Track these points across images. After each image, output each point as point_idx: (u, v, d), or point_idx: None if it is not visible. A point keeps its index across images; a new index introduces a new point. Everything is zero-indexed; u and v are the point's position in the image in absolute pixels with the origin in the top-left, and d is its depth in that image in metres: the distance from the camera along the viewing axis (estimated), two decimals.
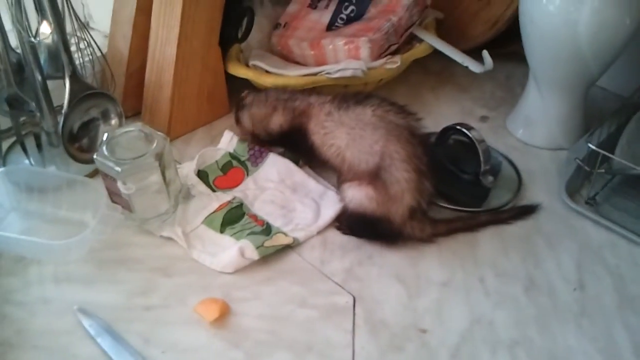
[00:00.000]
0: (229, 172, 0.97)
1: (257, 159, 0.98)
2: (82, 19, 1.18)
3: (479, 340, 0.72)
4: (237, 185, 0.94)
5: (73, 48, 0.93)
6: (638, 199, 0.91)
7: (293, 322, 0.74)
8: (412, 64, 1.12)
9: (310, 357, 0.70)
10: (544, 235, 0.87)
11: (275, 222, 0.87)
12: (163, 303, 0.77)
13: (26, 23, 0.87)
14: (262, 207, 0.90)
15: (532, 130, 1.04)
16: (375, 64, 1.04)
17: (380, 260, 0.83)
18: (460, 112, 1.13)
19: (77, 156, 0.91)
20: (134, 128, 0.86)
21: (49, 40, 0.92)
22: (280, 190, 0.93)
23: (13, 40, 0.90)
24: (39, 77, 0.90)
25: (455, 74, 1.20)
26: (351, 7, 1.12)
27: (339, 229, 0.88)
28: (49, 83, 0.92)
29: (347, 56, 1.05)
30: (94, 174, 0.93)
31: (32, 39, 0.87)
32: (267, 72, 1.05)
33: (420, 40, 1.13)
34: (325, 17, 1.13)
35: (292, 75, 1.03)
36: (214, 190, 0.93)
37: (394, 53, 1.09)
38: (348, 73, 1.00)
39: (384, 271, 0.81)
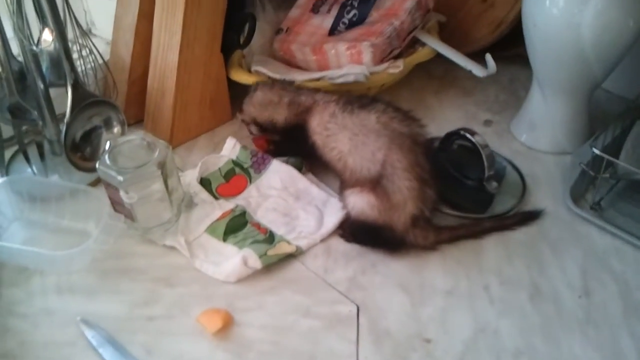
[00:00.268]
0: (232, 179, 0.96)
1: (260, 166, 0.97)
2: (85, 26, 1.19)
3: (484, 349, 0.72)
4: (239, 193, 0.94)
5: (75, 55, 0.93)
6: None
7: (296, 332, 0.74)
8: (415, 68, 1.12)
9: None
10: (549, 241, 0.86)
11: (278, 230, 0.87)
12: (166, 313, 0.77)
13: (28, 31, 0.87)
14: (265, 215, 0.90)
15: (536, 134, 1.03)
16: (377, 69, 1.04)
17: (384, 269, 0.82)
18: (464, 116, 1.12)
19: (79, 165, 0.91)
20: (136, 137, 0.86)
21: (51, 48, 0.92)
22: (283, 197, 0.93)
23: (15, 48, 0.90)
24: (41, 86, 0.90)
25: (459, 77, 1.20)
26: (353, 12, 1.12)
27: (342, 236, 0.87)
28: (51, 91, 0.92)
29: (350, 61, 1.04)
30: (96, 182, 0.93)
31: (34, 48, 0.87)
32: (269, 77, 1.04)
33: (423, 44, 1.13)
34: (328, 21, 1.12)
35: (295, 80, 1.02)
36: (216, 198, 0.93)
37: (396, 57, 1.09)
38: (350, 78, 1.00)
39: (387, 280, 0.81)
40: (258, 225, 0.88)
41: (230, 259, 0.81)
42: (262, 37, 1.13)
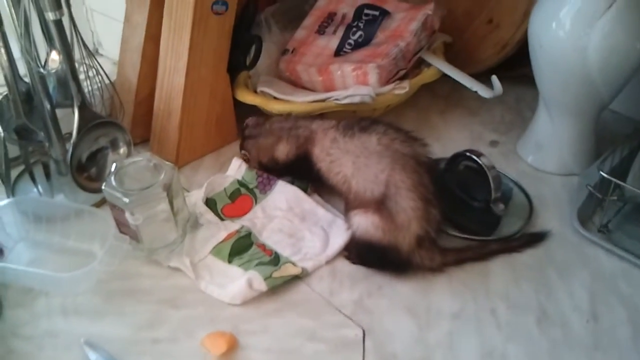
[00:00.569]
0: (237, 200, 0.96)
1: (265, 187, 0.97)
2: (91, 46, 1.20)
3: None
4: (245, 214, 0.94)
5: (82, 76, 0.93)
6: None
7: (301, 356, 0.73)
8: (420, 87, 1.12)
9: None
10: (556, 264, 0.86)
11: (284, 251, 0.87)
12: (171, 336, 0.76)
13: (35, 53, 0.87)
14: (271, 236, 0.90)
15: (543, 155, 1.03)
16: (383, 90, 1.04)
17: (390, 292, 0.82)
18: (470, 137, 1.12)
19: (85, 185, 0.91)
20: (142, 158, 0.86)
21: (58, 67, 0.93)
22: (289, 218, 0.92)
23: (22, 68, 0.90)
24: (48, 106, 0.90)
25: (464, 97, 1.20)
26: (359, 33, 1.12)
27: (348, 258, 0.87)
28: (58, 111, 0.92)
29: (356, 82, 1.04)
30: (102, 202, 0.93)
31: (41, 70, 0.87)
32: (275, 98, 1.04)
33: (429, 65, 1.13)
34: (333, 42, 1.13)
35: (301, 102, 1.03)
36: (222, 219, 0.93)
37: (402, 78, 1.09)
38: (356, 99, 1.00)
39: (394, 303, 0.80)
40: (263, 247, 0.87)
41: (236, 281, 0.81)
42: (268, 58, 1.13)
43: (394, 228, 0.81)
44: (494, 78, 1.04)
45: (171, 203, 0.83)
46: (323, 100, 1.03)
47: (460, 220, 0.90)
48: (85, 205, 0.89)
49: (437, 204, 0.82)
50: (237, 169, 1.00)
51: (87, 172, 0.92)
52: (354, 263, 0.86)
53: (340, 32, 1.14)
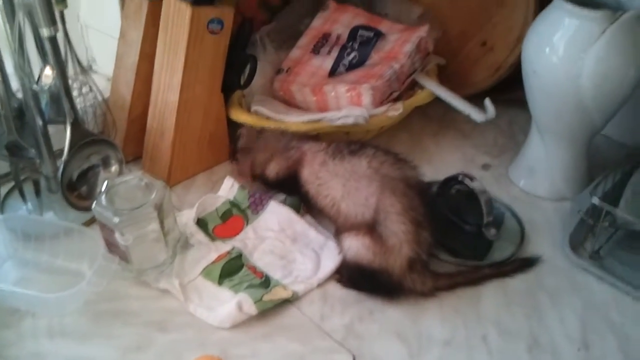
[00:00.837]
0: (229, 220, 0.96)
1: (257, 207, 0.97)
2: (85, 63, 1.19)
3: None
4: (236, 234, 0.93)
5: (75, 93, 0.92)
6: None
7: None
8: (413, 109, 1.12)
9: None
10: (548, 290, 0.85)
11: (275, 273, 0.86)
12: None
13: (29, 70, 0.86)
14: (262, 258, 0.89)
15: (535, 180, 1.03)
16: (377, 111, 1.04)
17: (381, 316, 0.81)
18: (462, 160, 1.12)
19: (75, 204, 0.91)
20: (133, 177, 0.85)
21: (51, 83, 0.92)
22: (281, 239, 0.92)
23: (14, 84, 0.89)
24: (40, 123, 0.90)
25: (457, 120, 1.19)
26: (353, 54, 1.12)
27: (339, 281, 0.86)
28: (50, 127, 0.92)
29: (350, 103, 1.04)
30: (92, 220, 0.92)
31: (35, 86, 0.86)
32: (268, 118, 1.04)
33: (422, 87, 1.13)
34: (328, 63, 1.13)
35: (294, 122, 1.02)
36: (213, 240, 0.92)
37: (396, 100, 1.09)
38: (350, 120, 1.00)
39: (384, 328, 0.80)
40: (254, 269, 0.87)
41: (225, 304, 0.80)
42: (262, 77, 1.13)
43: (384, 251, 0.80)
44: (487, 101, 1.05)
45: (162, 223, 0.83)
46: (316, 121, 1.02)
47: (452, 244, 0.90)
48: (75, 224, 0.88)
49: (428, 226, 0.82)
50: (229, 189, 1.00)
51: (77, 190, 0.91)
52: (345, 287, 0.86)
53: (334, 53, 1.14)
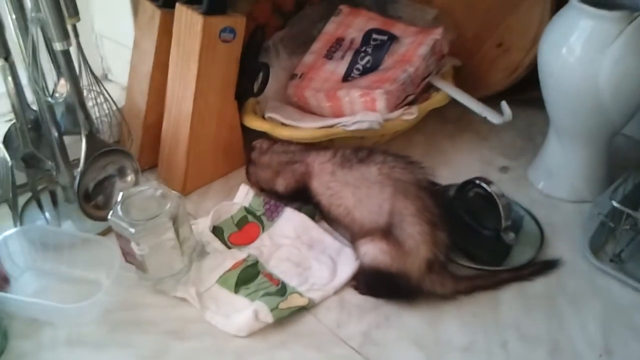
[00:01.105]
0: (244, 227, 0.96)
1: (272, 214, 0.97)
2: (101, 72, 1.20)
3: None
4: (252, 242, 0.93)
5: (90, 103, 0.93)
6: None
7: None
8: (429, 112, 1.11)
9: None
10: (568, 295, 0.84)
11: (291, 281, 0.86)
12: None
13: (43, 83, 0.87)
14: (278, 265, 0.89)
15: (554, 182, 1.02)
16: (392, 116, 1.03)
17: (399, 323, 0.81)
18: (480, 162, 1.11)
19: (92, 214, 0.91)
20: (148, 187, 0.86)
21: (66, 96, 0.93)
22: (296, 246, 0.92)
23: (30, 96, 0.90)
24: (56, 134, 0.91)
25: (474, 121, 1.18)
26: (367, 58, 1.12)
27: (356, 288, 0.86)
28: (66, 137, 0.93)
29: (364, 108, 1.04)
30: (109, 230, 0.92)
31: (49, 99, 0.87)
32: (283, 124, 1.04)
33: (438, 89, 1.12)
34: (341, 67, 1.13)
35: (308, 128, 1.02)
36: (229, 247, 0.92)
37: (411, 103, 1.08)
38: (364, 125, 0.99)
39: (402, 334, 0.79)
40: (270, 276, 0.87)
41: (242, 312, 0.80)
42: (276, 83, 1.13)
43: (402, 254, 0.80)
44: (504, 104, 1.03)
45: (177, 232, 0.83)
46: (331, 126, 1.02)
47: (470, 248, 0.89)
48: (92, 234, 0.89)
49: (444, 227, 0.81)
50: (244, 196, 1.00)
51: (94, 201, 0.92)
52: (362, 293, 0.85)
53: (348, 57, 1.13)
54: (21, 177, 0.95)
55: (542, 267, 0.88)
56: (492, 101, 1.08)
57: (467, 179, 0.92)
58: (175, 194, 0.84)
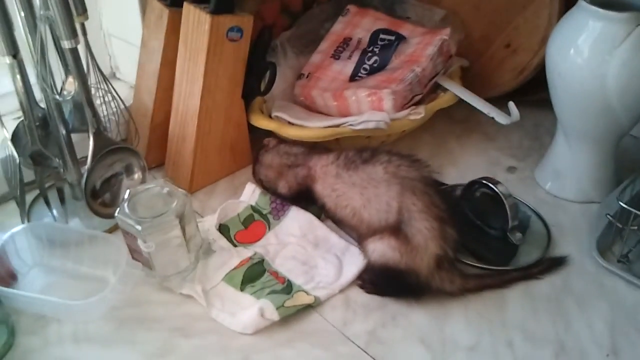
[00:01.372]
0: (251, 225, 0.96)
1: (279, 212, 0.97)
2: (109, 70, 1.21)
3: None
4: (258, 240, 0.93)
5: (98, 101, 0.93)
6: None
7: None
8: (436, 111, 1.10)
9: None
10: (575, 295, 0.84)
11: (297, 279, 0.86)
12: None
13: (51, 81, 0.88)
14: (284, 263, 0.89)
15: (562, 182, 1.01)
16: (399, 115, 1.03)
17: (405, 322, 0.80)
18: (487, 162, 1.11)
19: (99, 211, 0.91)
20: (155, 185, 0.86)
21: (74, 93, 0.94)
22: (302, 245, 0.92)
23: (38, 93, 0.91)
24: (64, 132, 0.91)
25: (482, 122, 1.18)
26: (374, 58, 1.12)
27: (362, 287, 0.86)
28: (74, 135, 0.93)
29: (371, 107, 1.04)
30: (116, 227, 0.92)
31: (57, 97, 0.88)
32: (289, 123, 1.04)
33: (445, 89, 1.12)
34: (348, 67, 1.13)
35: (315, 127, 1.02)
36: (235, 245, 0.92)
37: (418, 103, 1.08)
38: (371, 125, 0.99)
39: (408, 333, 0.79)
40: (276, 274, 0.87)
41: (247, 310, 0.80)
42: (283, 82, 1.13)
43: (410, 250, 0.80)
44: (511, 104, 1.03)
45: (183, 230, 0.83)
46: (337, 126, 1.02)
47: (477, 248, 0.89)
48: (99, 231, 0.89)
49: (452, 222, 0.81)
50: (250, 194, 1.00)
51: (101, 198, 0.92)
52: (368, 292, 0.85)
53: (355, 57, 1.13)
54: (29, 175, 0.95)
55: (550, 264, 0.88)
56: (499, 102, 1.08)
57: (473, 179, 0.92)
58: (181, 192, 0.85)
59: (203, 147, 1.01)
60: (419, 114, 1.05)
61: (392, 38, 1.14)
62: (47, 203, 0.96)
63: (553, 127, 1.03)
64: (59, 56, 0.89)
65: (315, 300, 0.82)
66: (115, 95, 0.96)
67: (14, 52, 0.85)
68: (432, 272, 0.80)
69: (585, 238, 0.92)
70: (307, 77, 1.13)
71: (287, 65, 1.15)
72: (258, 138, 1.04)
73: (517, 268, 0.87)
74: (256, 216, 0.97)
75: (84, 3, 0.84)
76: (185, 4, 0.97)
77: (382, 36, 1.15)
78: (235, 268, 0.87)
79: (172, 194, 0.84)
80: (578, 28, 0.89)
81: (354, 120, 1.01)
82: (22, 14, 0.84)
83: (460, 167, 1.08)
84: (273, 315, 0.79)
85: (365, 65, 1.12)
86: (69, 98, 0.89)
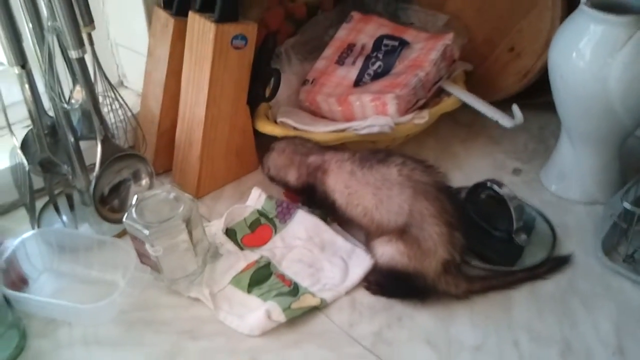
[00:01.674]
0: (257, 229, 0.97)
1: (285, 216, 0.98)
2: (116, 78, 1.23)
3: None
4: (265, 244, 0.94)
5: (106, 109, 0.95)
6: None
7: None
8: (441, 115, 1.11)
9: None
10: (580, 295, 0.84)
11: (303, 282, 0.87)
12: None
13: (59, 90, 0.89)
14: (290, 266, 0.90)
15: (567, 184, 1.02)
16: (403, 120, 1.04)
17: (410, 323, 0.81)
18: (492, 165, 1.12)
19: (108, 217, 0.92)
20: (162, 191, 0.87)
21: (82, 102, 0.95)
22: (309, 248, 0.92)
23: (46, 101, 0.92)
24: (72, 140, 0.92)
25: (486, 125, 1.18)
26: (378, 63, 1.13)
27: (367, 289, 0.86)
28: (82, 142, 0.94)
29: (375, 112, 1.05)
30: (124, 232, 0.94)
31: (65, 105, 0.89)
32: (295, 128, 1.05)
33: (449, 94, 1.13)
34: (353, 73, 1.14)
35: (320, 132, 1.03)
36: (242, 249, 0.93)
37: (422, 107, 1.09)
38: (375, 129, 1.00)
39: (414, 334, 0.79)
40: (283, 277, 0.88)
41: (254, 312, 0.81)
42: (288, 88, 1.15)
43: (419, 254, 0.80)
44: (515, 107, 1.04)
45: (190, 234, 0.84)
46: (342, 130, 1.03)
47: (482, 250, 0.90)
48: (108, 237, 0.91)
49: (461, 228, 0.82)
50: (257, 198, 1.01)
51: (109, 204, 0.93)
52: (374, 294, 0.86)
53: (359, 63, 1.15)
54: (38, 182, 0.97)
55: (556, 264, 0.88)
56: (503, 105, 1.09)
57: (478, 182, 0.93)
58: (188, 197, 0.86)
59: (209, 153, 1.02)
60: (423, 118, 1.05)
61: (396, 43, 1.15)
62: (57, 209, 0.98)
63: (558, 130, 1.04)
64: (67, 66, 0.90)
65: (321, 302, 0.83)
66: (123, 103, 0.98)
67: (23, 63, 0.87)
68: (439, 276, 0.81)
69: (590, 239, 0.92)
70: (312, 82, 1.15)
71: (291, 72, 1.17)
72: (264, 144, 1.05)
73: (523, 269, 0.87)
74: (262, 220, 0.98)
75: (91, 14, 0.85)
76: (190, 13, 0.98)
77: (385, 42, 1.16)
78: (242, 271, 0.88)
79: (179, 199, 0.85)
80: (579, 31, 0.90)
81: (359, 125, 1.02)
82: (30, 25, 0.86)
83: (466, 171, 1.09)
84: (280, 317, 0.80)
85: (369, 71, 1.13)
86: (77, 106, 0.91)
